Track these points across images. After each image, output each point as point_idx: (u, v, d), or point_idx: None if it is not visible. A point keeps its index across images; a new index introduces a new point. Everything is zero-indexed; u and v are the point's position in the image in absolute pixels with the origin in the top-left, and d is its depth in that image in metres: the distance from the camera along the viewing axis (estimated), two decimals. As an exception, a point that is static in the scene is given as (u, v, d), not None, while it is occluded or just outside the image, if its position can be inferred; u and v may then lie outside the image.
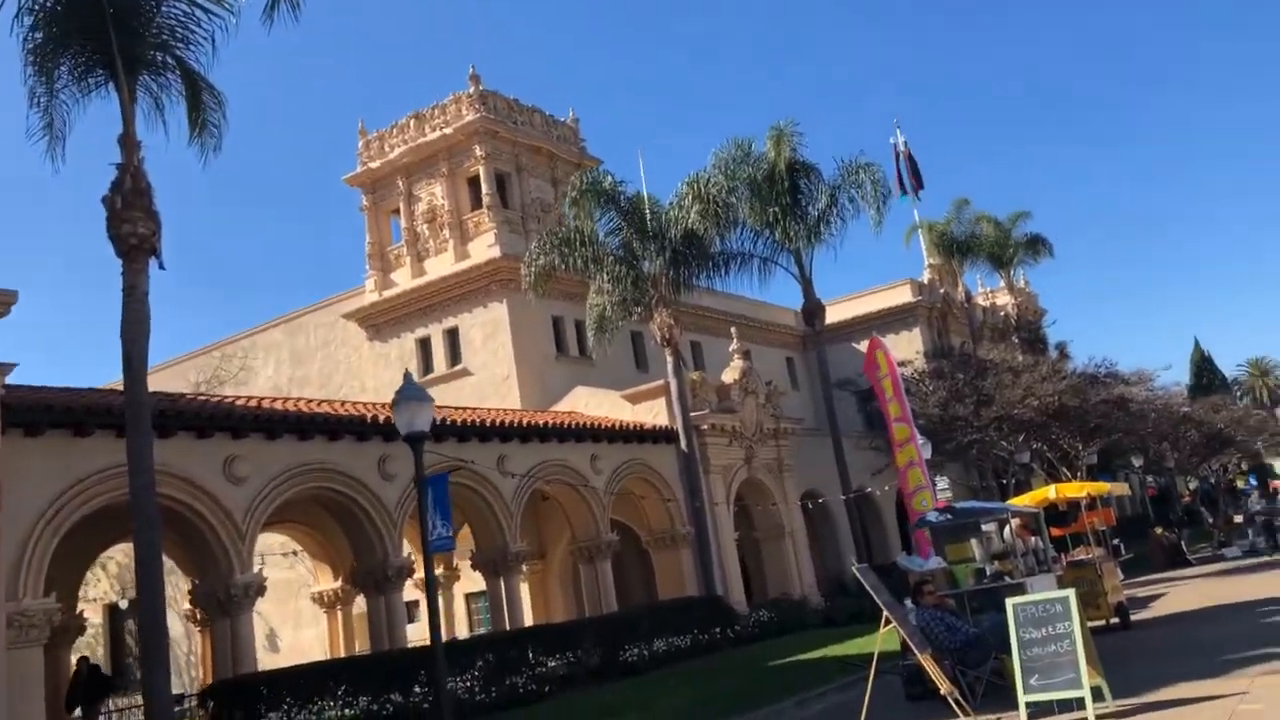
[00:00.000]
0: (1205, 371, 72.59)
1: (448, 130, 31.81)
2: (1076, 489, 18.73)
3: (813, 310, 32.61)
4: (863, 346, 45.01)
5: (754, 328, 40.51)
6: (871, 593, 10.56)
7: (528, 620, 24.87)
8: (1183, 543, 32.07)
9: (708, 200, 25.22)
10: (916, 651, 10.37)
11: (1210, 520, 40.06)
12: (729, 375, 29.41)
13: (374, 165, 33.32)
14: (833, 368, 33.42)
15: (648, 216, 26.26)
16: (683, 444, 25.73)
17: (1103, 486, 20.39)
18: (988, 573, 13.38)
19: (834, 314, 40.26)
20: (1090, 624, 16.63)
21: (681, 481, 25.89)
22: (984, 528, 14.53)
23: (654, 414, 27.04)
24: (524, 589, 27.20)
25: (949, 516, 14.02)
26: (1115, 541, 19.95)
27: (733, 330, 31.10)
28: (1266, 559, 26.65)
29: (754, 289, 31.86)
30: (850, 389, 34.84)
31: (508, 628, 20.96)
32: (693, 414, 26.94)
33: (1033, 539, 15.11)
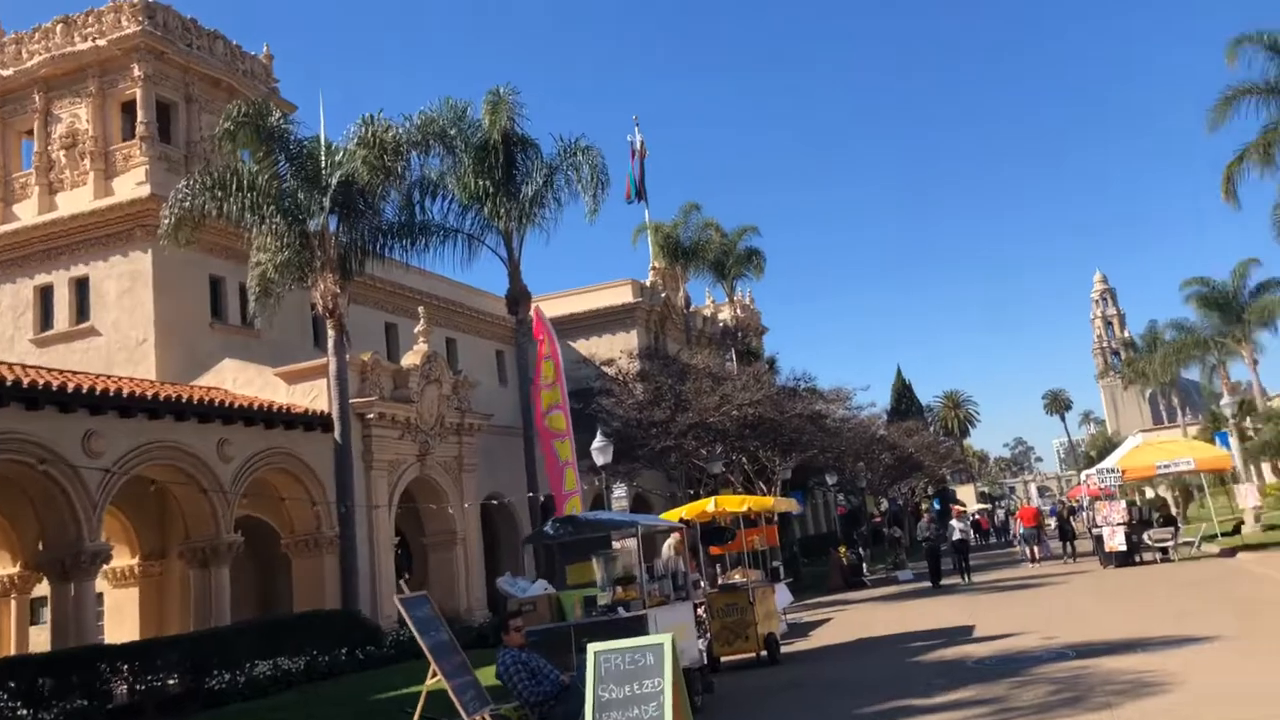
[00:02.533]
0: (905, 398, 76.39)
1: (101, 42, 26.90)
2: (736, 502, 17.11)
3: (517, 297, 30.14)
4: (579, 345, 43.38)
5: (465, 315, 37.64)
6: (414, 632, 7.97)
7: (123, 635, 20.87)
8: (864, 564, 32.02)
9: (380, 147, 21.94)
10: (463, 713, 7.84)
11: (890, 541, 41.02)
12: (410, 360, 26.39)
13: (5, 73, 27.78)
14: (543, 363, 31.03)
15: (323, 165, 22.83)
16: (337, 433, 22.43)
17: (765, 501, 18.87)
18: (600, 601, 11.15)
19: (553, 309, 38.15)
20: (737, 657, 15.08)
21: (335, 477, 22.62)
22: (616, 544, 12.37)
23: (313, 397, 23.60)
24: (133, 595, 23.08)
25: (569, 529, 11.74)
26: (775, 564, 18.56)
27: (421, 310, 27.99)
28: (930, 585, 26.59)
29: (457, 269, 29.22)
30: (555, 386, 32.61)
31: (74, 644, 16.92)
32: (360, 400, 23.75)
33: (678, 559, 13.11)
